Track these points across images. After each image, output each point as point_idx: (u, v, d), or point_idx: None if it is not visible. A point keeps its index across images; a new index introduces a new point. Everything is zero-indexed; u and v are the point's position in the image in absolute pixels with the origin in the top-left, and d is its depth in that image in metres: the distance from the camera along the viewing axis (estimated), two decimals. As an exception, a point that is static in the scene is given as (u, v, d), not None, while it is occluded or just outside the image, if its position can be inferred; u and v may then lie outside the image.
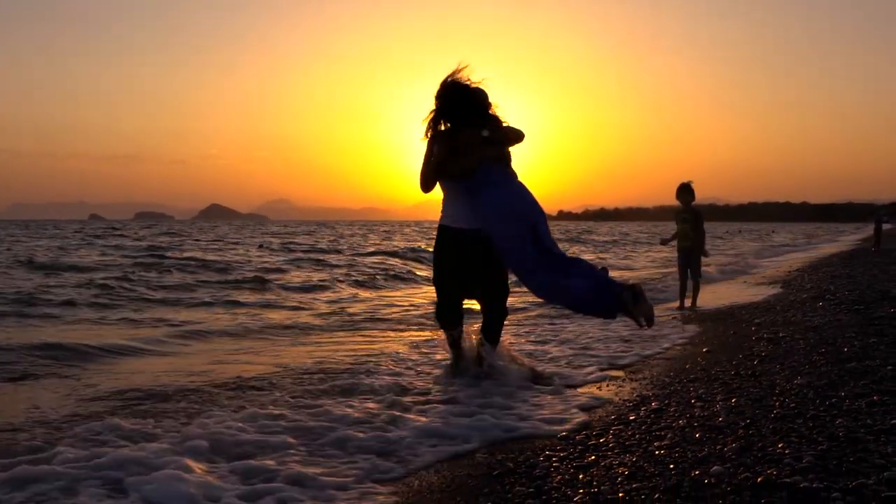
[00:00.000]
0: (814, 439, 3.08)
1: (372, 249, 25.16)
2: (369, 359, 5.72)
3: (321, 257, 20.56)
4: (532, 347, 6.19)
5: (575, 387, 4.61)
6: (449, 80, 4.56)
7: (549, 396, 4.29)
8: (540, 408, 4.04)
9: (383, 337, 7.24)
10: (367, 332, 7.58)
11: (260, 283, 12.67)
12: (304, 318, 8.68)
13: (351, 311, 9.40)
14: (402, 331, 7.68)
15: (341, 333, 7.57)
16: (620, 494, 2.60)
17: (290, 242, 30.81)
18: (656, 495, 2.57)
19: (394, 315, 9.01)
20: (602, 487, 2.69)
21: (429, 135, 4.62)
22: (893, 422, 3.27)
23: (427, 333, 7.20)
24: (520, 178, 4.63)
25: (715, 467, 2.79)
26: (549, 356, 5.74)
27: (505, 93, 4.89)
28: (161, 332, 7.28)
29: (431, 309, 4.83)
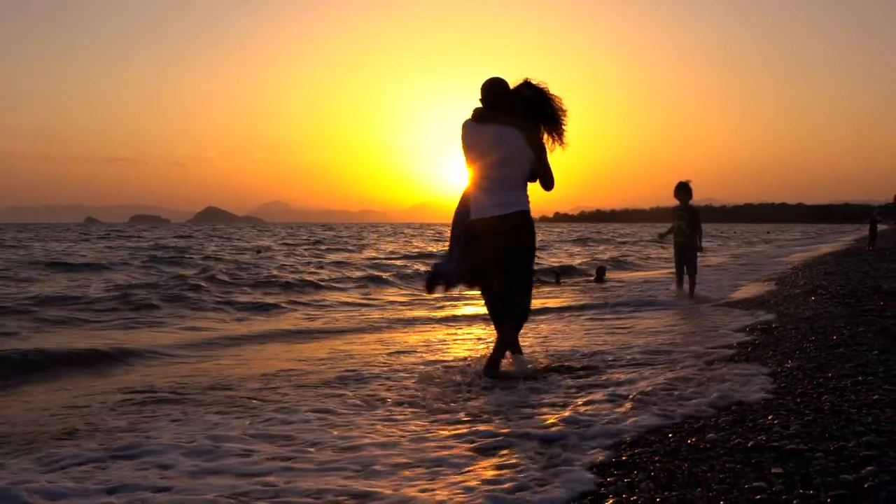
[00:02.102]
0: (801, 412, 3.34)
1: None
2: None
3: (349, 259, 20.85)
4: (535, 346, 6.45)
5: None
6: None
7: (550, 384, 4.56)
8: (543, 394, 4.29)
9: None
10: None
11: (314, 287, 12.97)
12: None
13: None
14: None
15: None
16: (623, 458, 2.86)
17: (305, 244, 31.13)
18: (657, 458, 2.82)
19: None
20: (606, 454, 2.95)
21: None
22: (875, 397, 3.54)
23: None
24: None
25: (710, 435, 3.06)
26: (552, 353, 6.01)
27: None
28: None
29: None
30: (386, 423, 3.61)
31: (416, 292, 12.10)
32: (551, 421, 3.46)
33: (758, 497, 2.33)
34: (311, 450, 3.16)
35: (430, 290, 5.12)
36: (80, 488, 2.67)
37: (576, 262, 20.27)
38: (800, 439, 2.91)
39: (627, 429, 3.26)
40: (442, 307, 9.61)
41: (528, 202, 4.70)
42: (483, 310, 5.74)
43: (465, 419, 3.62)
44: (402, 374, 4.90)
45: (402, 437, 3.34)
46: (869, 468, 2.52)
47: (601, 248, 31.28)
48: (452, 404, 3.95)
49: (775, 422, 3.19)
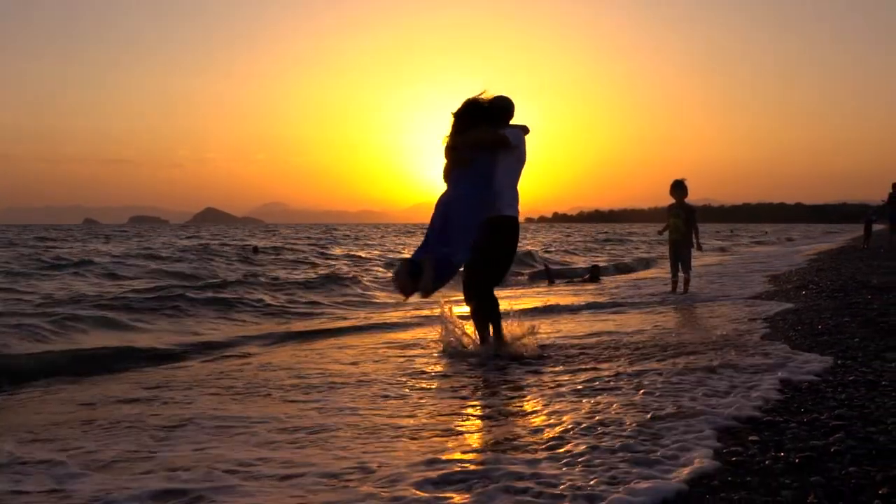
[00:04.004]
0: (780, 390, 3.60)
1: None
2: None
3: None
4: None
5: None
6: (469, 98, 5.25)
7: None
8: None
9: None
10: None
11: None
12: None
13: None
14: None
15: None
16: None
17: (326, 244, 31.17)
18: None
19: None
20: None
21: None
22: (851, 378, 3.79)
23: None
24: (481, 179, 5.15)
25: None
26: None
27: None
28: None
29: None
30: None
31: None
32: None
33: (734, 459, 2.58)
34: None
35: (408, 292, 4.90)
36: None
37: (600, 262, 20.22)
38: (776, 412, 3.16)
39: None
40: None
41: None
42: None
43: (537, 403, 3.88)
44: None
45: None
46: (837, 435, 2.77)
47: (621, 248, 30.95)
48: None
49: (756, 397, 3.44)
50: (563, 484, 2.41)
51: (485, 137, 5.14)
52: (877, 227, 27.49)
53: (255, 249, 23.84)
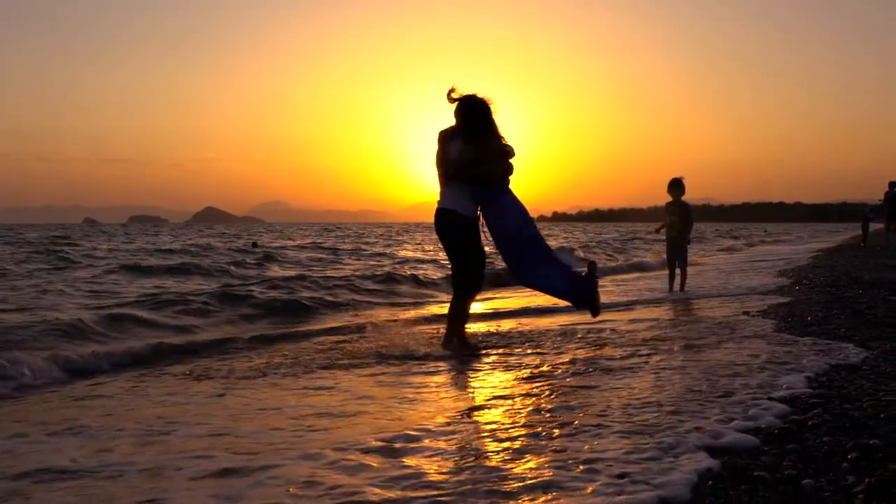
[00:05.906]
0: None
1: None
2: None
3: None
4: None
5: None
6: (475, 96, 5.22)
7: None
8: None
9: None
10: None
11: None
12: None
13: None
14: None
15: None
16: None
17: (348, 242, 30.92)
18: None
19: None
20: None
21: (447, 136, 5.30)
22: (834, 363, 4.03)
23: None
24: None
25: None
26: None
27: (494, 96, 4.94)
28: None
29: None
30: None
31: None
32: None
33: (719, 431, 2.83)
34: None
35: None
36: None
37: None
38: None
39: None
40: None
41: (443, 200, 5.31)
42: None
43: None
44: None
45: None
46: (815, 411, 3.02)
47: (643, 247, 30.66)
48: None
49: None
50: (586, 453, 2.65)
51: (509, 147, 5.38)
52: (875, 225, 27.73)
53: (255, 244, 24.27)
